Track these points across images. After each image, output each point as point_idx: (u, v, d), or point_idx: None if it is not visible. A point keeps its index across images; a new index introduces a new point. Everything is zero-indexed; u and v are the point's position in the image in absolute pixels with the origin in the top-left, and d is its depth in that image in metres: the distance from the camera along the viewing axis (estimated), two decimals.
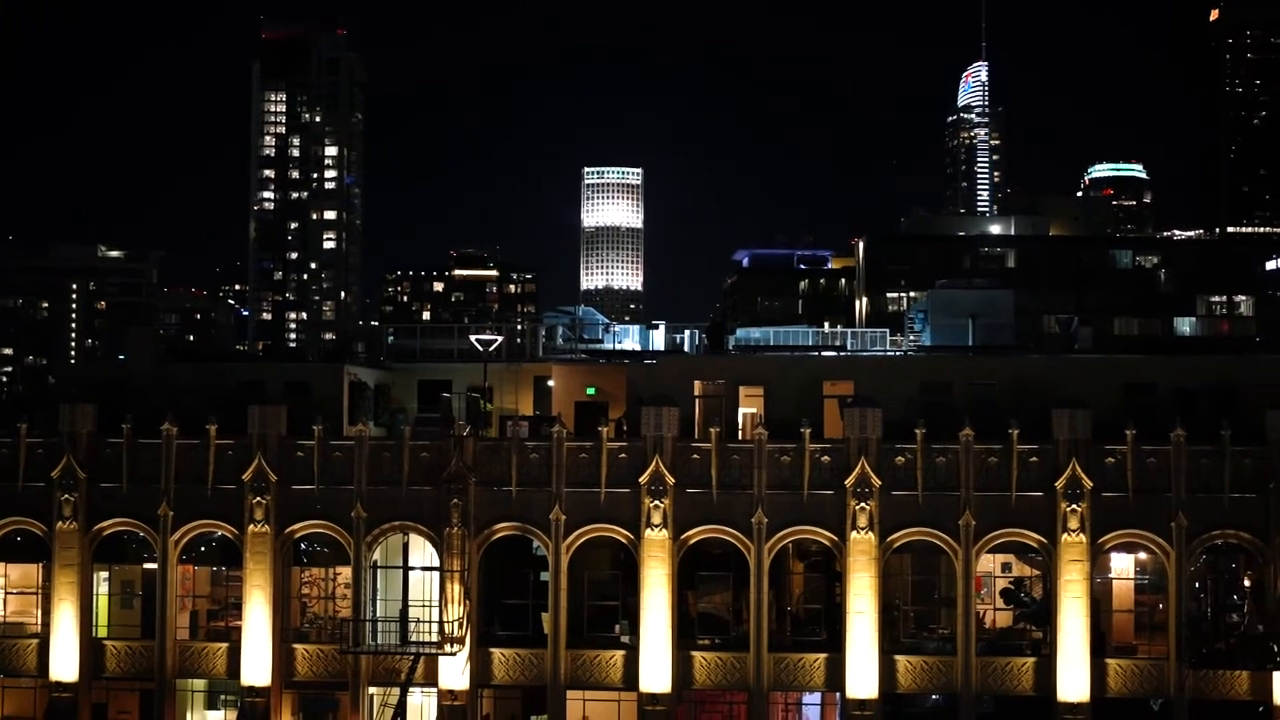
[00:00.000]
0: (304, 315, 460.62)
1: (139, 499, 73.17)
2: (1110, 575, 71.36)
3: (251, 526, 72.14)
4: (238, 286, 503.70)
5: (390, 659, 71.94)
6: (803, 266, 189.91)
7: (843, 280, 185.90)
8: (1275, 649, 68.17)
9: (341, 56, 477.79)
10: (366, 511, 72.02)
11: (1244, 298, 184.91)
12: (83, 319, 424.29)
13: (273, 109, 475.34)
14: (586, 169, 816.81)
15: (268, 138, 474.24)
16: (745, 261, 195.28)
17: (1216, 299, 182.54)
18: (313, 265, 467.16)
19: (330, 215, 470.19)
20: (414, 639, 71.88)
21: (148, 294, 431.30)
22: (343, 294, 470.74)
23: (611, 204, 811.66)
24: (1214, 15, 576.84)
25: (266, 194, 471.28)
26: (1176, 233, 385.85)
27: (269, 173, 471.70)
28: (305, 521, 72.70)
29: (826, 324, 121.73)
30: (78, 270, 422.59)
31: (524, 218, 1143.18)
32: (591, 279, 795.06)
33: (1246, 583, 70.64)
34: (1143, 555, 71.02)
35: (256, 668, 72.20)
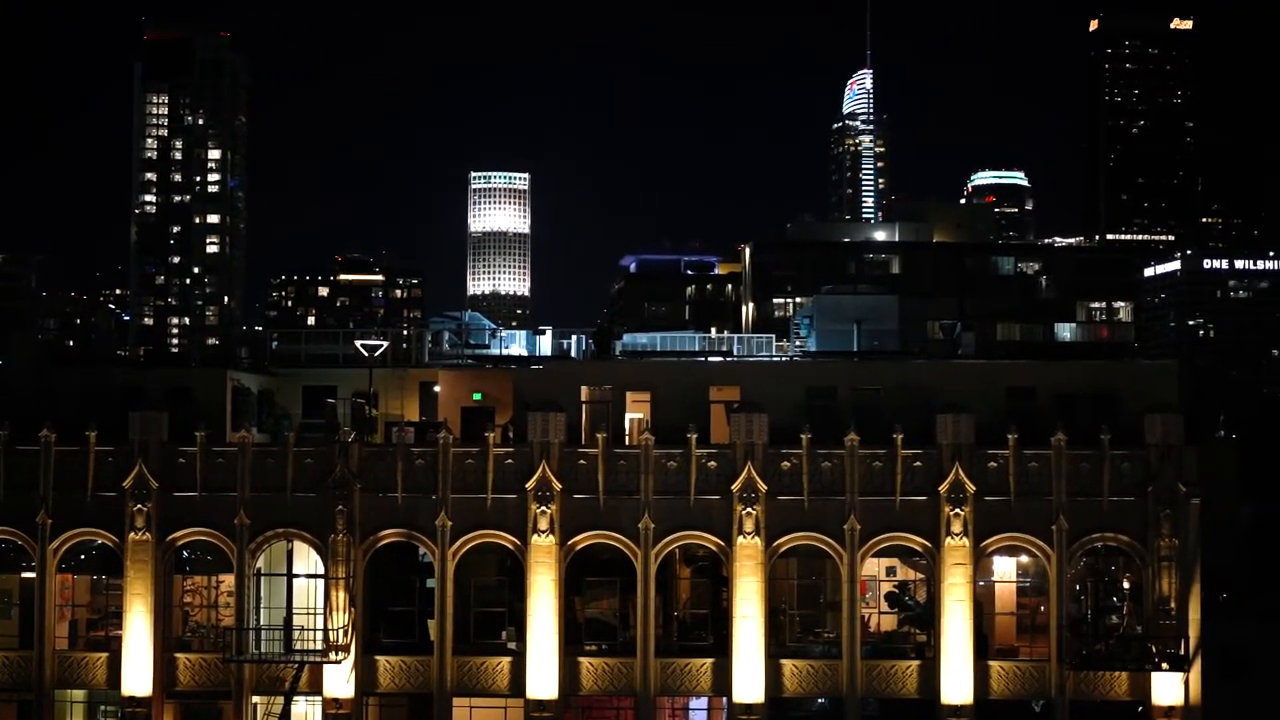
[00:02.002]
0: (186, 320, 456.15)
1: (17, 506, 71.99)
2: (993, 578, 72.05)
3: (132, 534, 71.23)
4: (119, 291, 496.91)
5: (274, 667, 71.29)
6: (690, 272, 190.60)
7: (729, 286, 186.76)
8: (1153, 650, 69.16)
9: (225, 58, 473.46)
10: (250, 518, 71.32)
11: (1123, 304, 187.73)
12: None
13: (155, 111, 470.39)
14: (473, 174, 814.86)
15: (150, 140, 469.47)
16: (632, 267, 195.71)
17: (1096, 305, 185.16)
18: (195, 269, 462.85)
19: (213, 219, 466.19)
20: (298, 647, 71.31)
21: (26, 298, 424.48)
22: (226, 298, 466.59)
23: (498, 209, 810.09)
24: (1093, 25, 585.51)
25: (148, 197, 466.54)
26: (1057, 240, 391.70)
27: (151, 175, 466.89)
28: (187, 529, 71.89)
29: (713, 330, 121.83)
30: None
31: (410, 222, 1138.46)
32: (478, 284, 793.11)
33: (1126, 585, 71.57)
34: (1024, 558, 71.78)
35: (137, 678, 71.27)
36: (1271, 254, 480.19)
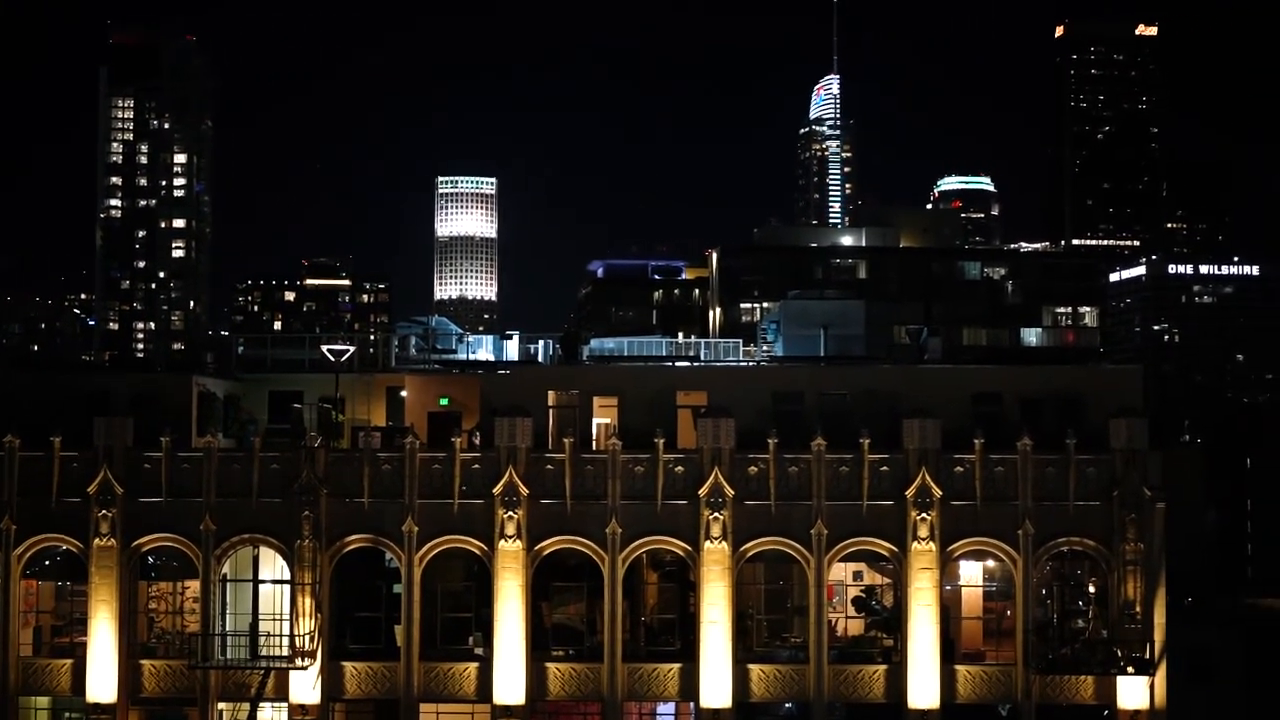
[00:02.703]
0: (152, 325, 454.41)
1: None
2: (959, 583, 72.21)
3: (97, 540, 70.89)
4: (84, 295, 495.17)
5: (240, 674, 71.03)
6: (657, 277, 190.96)
7: (697, 291, 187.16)
8: (1119, 654, 69.39)
9: (191, 62, 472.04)
10: (215, 524, 71.06)
11: (1088, 309, 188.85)
12: None
13: (121, 115, 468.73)
14: (440, 178, 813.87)
15: (115, 144, 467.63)
16: (600, 272, 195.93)
17: (1062, 310, 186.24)
18: (161, 274, 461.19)
19: (179, 223, 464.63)
20: (264, 653, 71.03)
21: None
22: (192, 303, 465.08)
23: (465, 213, 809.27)
24: (1059, 31, 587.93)
25: (114, 201, 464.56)
26: (1023, 245, 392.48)
27: (116, 180, 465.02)
28: (152, 535, 71.58)
29: (680, 334, 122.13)
30: None
31: (377, 227, 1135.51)
32: (445, 289, 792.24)
33: (1092, 589, 71.79)
34: (991, 563, 71.96)
35: (102, 684, 70.94)
36: (1236, 259, 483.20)
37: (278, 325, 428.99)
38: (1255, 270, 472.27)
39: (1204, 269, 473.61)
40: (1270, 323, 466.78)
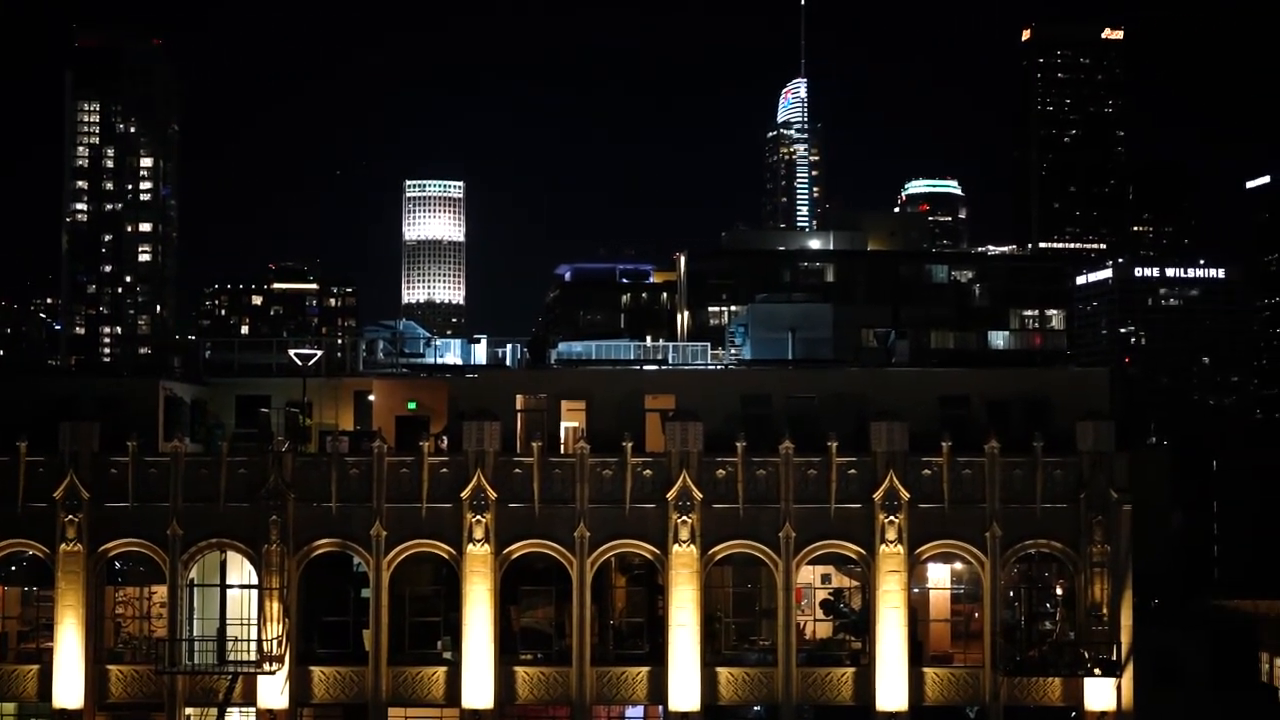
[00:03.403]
0: (118, 329, 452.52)
1: None
2: (927, 585, 72.39)
3: (63, 545, 70.60)
4: (50, 300, 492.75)
5: (208, 679, 70.80)
6: (625, 280, 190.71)
7: (664, 294, 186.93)
8: (1086, 656, 69.66)
9: (157, 66, 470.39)
10: (183, 529, 70.85)
11: (1055, 312, 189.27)
12: None
13: (86, 118, 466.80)
14: (408, 182, 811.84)
15: (81, 148, 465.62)
16: (567, 275, 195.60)
17: (1029, 313, 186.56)
18: (128, 278, 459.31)
19: (146, 227, 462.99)
20: (232, 658, 70.83)
21: None
22: (158, 308, 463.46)
23: (433, 217, 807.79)
24: (1026, 35, 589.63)
25: (80, 205, 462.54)
26: (990, 248, 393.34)
27: (82, 184, 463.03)
28: (119, 540, 71.33)
29: (648, 338, 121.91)
30: None
31: (345, 231, 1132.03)
32: (413, 293, 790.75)
33: (1059, 591, 72.06)
34: (958, 565, 72.16)
35: (69, 690, 70.66)
36: (1202, 262, 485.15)
37: (245, 329, 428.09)
38: (1221, 273, 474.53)
39: (1170, 272, 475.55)
40: (1236, 325, 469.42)
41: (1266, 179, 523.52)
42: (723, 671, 70.99)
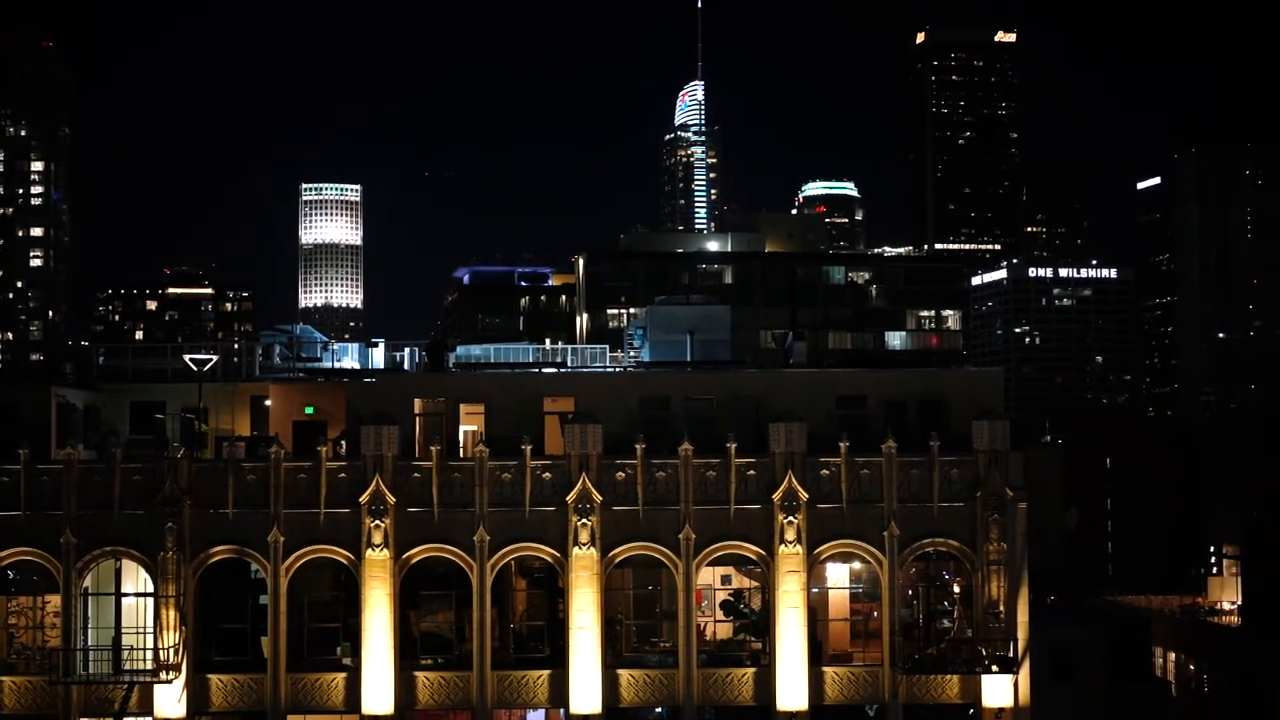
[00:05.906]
0: (10, 335, 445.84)
1: None
2: (826, 585, 72.76)
3: None
4: None
5: (103, 689, 69.92)
6: (524, 284, 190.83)
7: (564, 297, 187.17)
8: (983, 653, 70.24)
9: (48, 69, 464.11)
10: (76, 537, 69.93)
11: (951, 312, 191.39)
12: None
13: None
14: (304, 185, 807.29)
15: None
16: (466, 279, 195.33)
17: (925, 314, 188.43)
18: (19, 283, 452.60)
19: (37, 232, 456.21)
20: (128, 667, 70.02)
21: None
22: (51, 313, 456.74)
23: (330, 221, 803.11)
24: (920, 38, 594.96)
25: None
26: (887, 249, 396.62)
27: None
28: (11, 549, 70.28)
29: (548, 341, 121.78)
30: None
31: (241, 235, 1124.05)
32: (310, 297, 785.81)
33: (956, 589, 72.64)
34: (857, 565, 72.58)
35: None
36: (1094, 262, 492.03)
37: (139, 334, 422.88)
38: (1113, 273, 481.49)
39: (1063, 272, 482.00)
40: (1127, 325, 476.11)
41: (1157, 180, 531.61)
42: (624, 673, 71.04)
